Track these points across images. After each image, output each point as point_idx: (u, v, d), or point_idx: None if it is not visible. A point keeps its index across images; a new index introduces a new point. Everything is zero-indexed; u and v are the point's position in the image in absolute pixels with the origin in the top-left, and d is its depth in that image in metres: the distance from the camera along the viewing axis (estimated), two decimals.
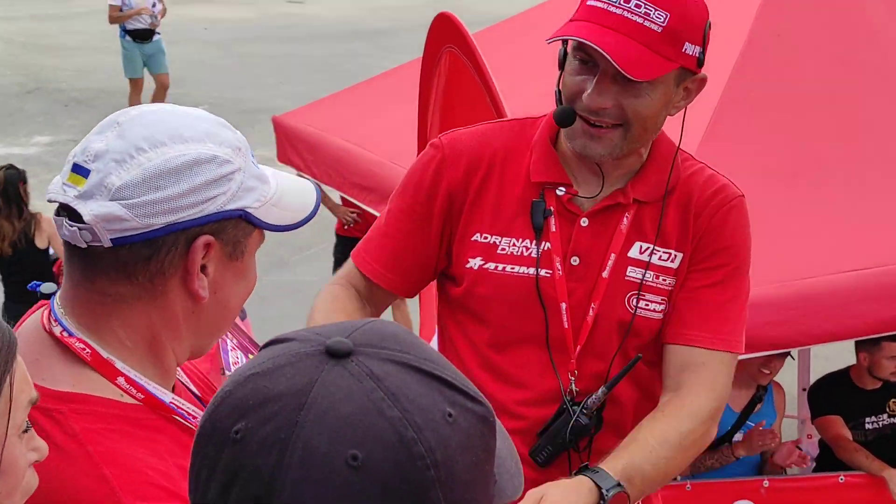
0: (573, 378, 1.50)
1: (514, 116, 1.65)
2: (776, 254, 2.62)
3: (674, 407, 1.48)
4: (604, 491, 1.34)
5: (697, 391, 1.49)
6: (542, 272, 1.46)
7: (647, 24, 1.34)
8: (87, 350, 0.94)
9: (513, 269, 1.47)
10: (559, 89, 1.42)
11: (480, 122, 1.61)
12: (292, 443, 0.58)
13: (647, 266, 1.49)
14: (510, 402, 1.49)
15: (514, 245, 1.47)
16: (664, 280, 1.51)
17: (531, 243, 1.46)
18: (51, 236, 4.15)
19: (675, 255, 1.51)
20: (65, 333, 0.94)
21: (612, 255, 1.48)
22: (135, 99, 7.98)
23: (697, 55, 1.39)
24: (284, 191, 1.01)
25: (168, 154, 0.89)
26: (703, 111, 2.87)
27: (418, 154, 1.73)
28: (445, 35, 1.81)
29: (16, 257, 4.14)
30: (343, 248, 5.11)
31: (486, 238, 1.48)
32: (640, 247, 1.49)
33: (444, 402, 0.62)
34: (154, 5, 8.17)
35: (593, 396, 1.48)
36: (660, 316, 1.51)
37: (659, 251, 1.50)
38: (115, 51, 8.44)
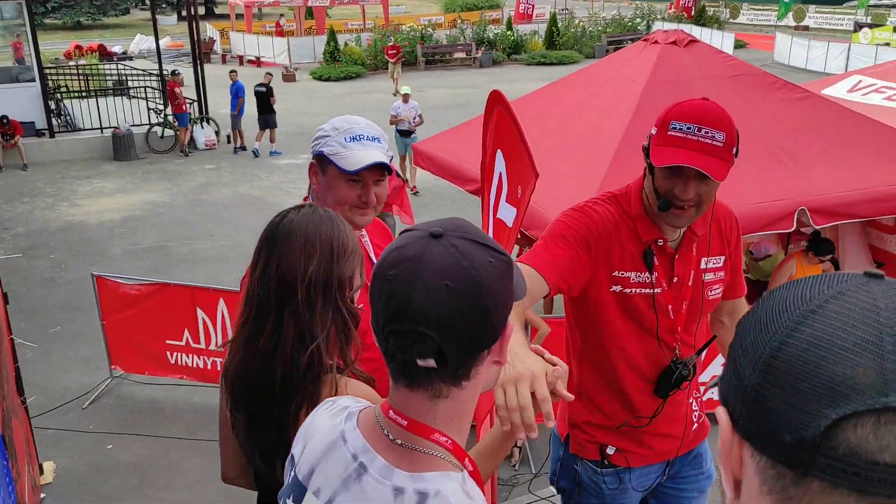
0: (678, 347, 2.28)
1: (606, 191, 2.33)
2: None
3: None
4: None
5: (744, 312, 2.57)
6: (657, 290, 2.20)
7: (714, 143, 1.94)
8: None
9: (639, 291, 2.19)
10: (655, 188, 2.06)
11: (595, 201, 2.27)
12: (417, 278, 0.99)
13: (709, 270, 2.28)
14: (637, 370, 2.29)
15: (639, 276, 2.19)
16: (719, 275, 2.32)
17: (648, 276, 2.18)
18: None
19: (720, 258, 2.32)
20: None
21: (692, 271, 2.25)
22: (402, 166, 11.64)
23: (735, 152, 1.99)
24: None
25: None
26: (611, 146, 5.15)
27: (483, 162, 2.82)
28: (496, 100, 2.82)
29: None
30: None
31: (621, 273, 2.17)
32: (705, 261, 2.27)
33: (487, 256, 1.03)
34: (414, 119, 12.04)
35: (692, 358, 2.30)
36: (719, 295, 2.36)
37: (712, 259, 2.29)
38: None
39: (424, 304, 0.99)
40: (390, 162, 2.17)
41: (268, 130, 14.74)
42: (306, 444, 1.16)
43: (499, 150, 2.91)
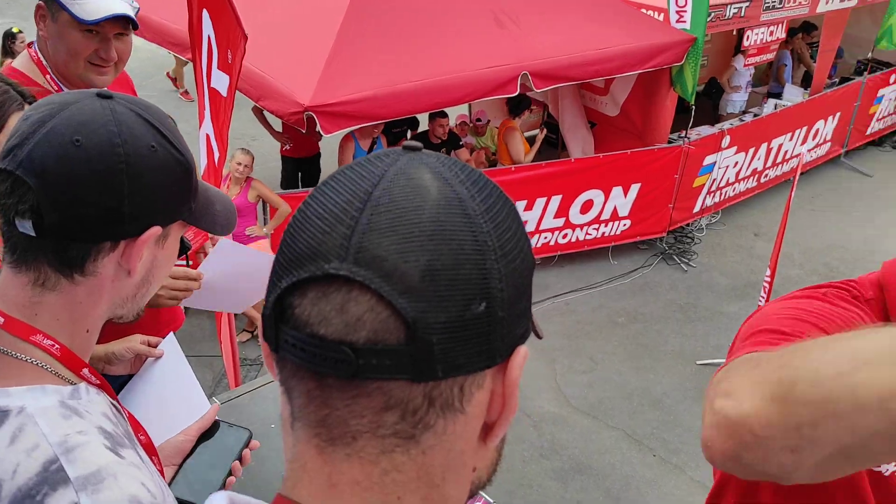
0: None
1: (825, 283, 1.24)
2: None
3: None
4: None
5: None
6: None
7: None
8: None
9: None
10: None
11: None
12: (48, 122, 0.86)
13: None
14: None
15: None
16: None
17: None
18: None
19: None
20: None
21: None
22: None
23: None
24: None
25: None
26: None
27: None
28: None
29: None
30: (286, 165, 6.24)
31: None
32: None
33: (152, 140, 0.88)
34: None
35: None
36: None
37: None
38: None
39: (37, 149, 0.84)
40: (135, 15, 1.97)
41: None
42: None
43: (204, 10, 2.61)
